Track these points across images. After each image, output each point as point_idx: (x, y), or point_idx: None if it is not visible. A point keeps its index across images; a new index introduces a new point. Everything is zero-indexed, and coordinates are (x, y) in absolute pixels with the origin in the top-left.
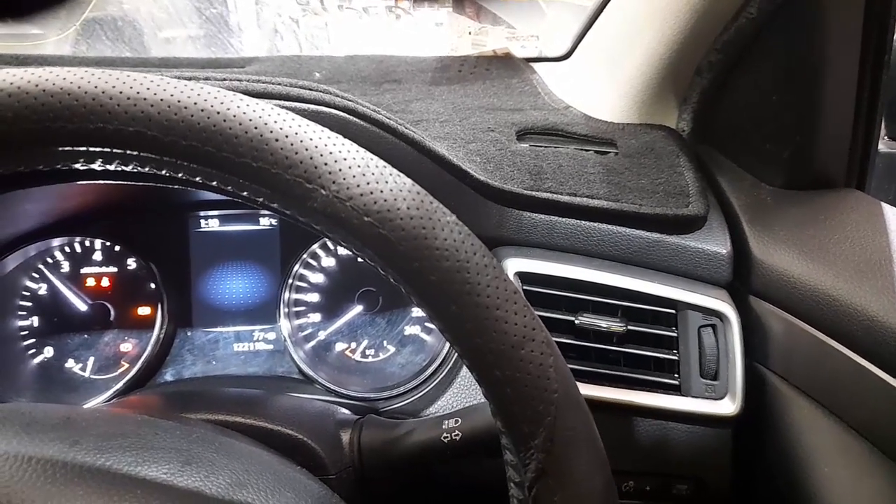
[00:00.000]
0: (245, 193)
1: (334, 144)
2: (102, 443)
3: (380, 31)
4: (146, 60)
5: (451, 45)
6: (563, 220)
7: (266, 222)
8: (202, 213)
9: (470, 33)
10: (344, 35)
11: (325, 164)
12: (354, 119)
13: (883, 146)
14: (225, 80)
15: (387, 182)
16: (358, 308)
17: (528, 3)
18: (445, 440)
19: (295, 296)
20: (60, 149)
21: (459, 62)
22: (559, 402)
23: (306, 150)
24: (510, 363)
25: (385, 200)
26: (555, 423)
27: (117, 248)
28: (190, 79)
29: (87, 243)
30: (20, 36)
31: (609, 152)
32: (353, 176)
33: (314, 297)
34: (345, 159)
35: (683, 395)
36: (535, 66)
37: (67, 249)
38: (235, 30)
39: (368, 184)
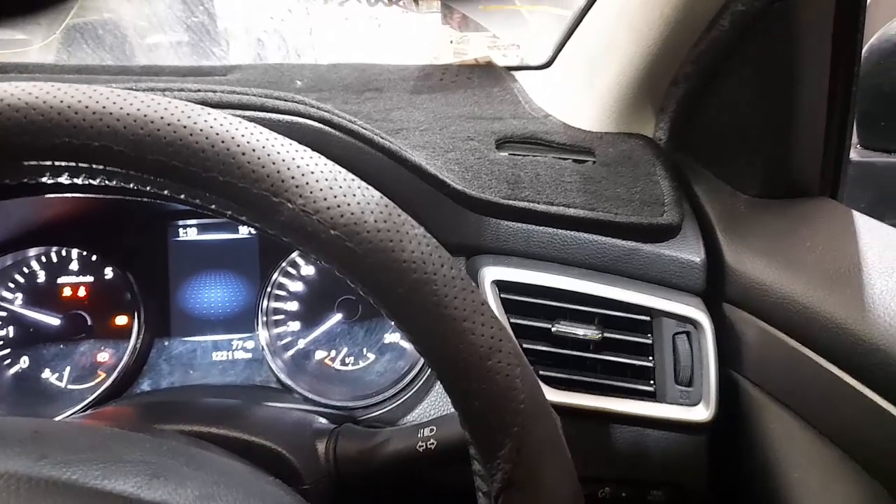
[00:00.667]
0: (213, 207)
1: (301, 158)
2: (70, 456)
3: (364, 39)
4: (128, 69)
5: (434, 54)
6: (540, 228)
7: (245, 231)
8: (180, 222)
9: (452, 42)
10: (328, 42)
11: (293, 177)
12: (330, 130)
13: (855, 155)
14: (199, 90)
15: (354, 195)
16: (337, 316)
17: (510, 12)
18: (421, 449)
19: (274, 304)
20: (26, 163)
21: (441, 70)
22: (526, 412)
23: (273, 163)
24: (477, 374)
25: (352, 214)
26: (522, 433)
27: (94, 257)
28: (164, 89)
29: (64, 253)
30: (4, 42)
31: (587, 161)
32: (321, 189)
33: (293, 306)
34: (312, 172)
35: (658, 402)
36: (516, 74)
37: (44, 259)
38: (219, 37)
39: (336, 197)
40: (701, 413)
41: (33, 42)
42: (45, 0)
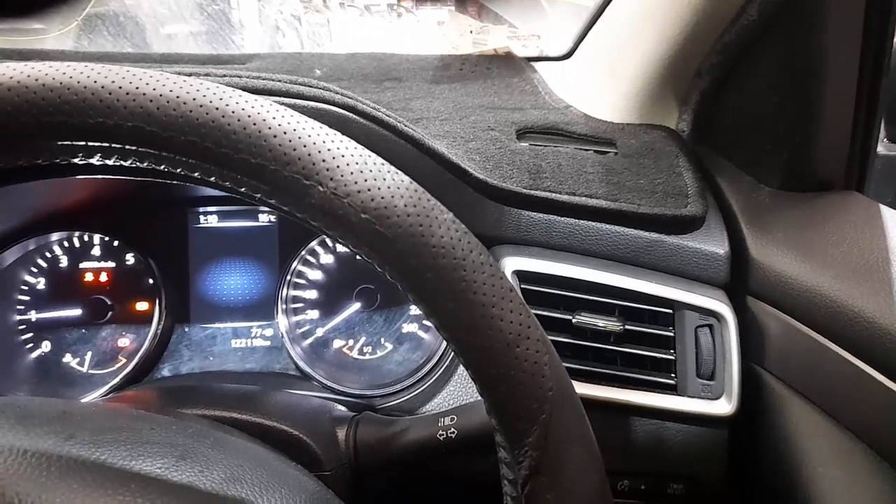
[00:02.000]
0: (243, 189)
1: (332, 141)
2: (98, 437)
3: (381, 29)
4: (147, 56)
5: (453, 44)
6: (562, 219)
7: (265, 218)
8: (201, 209)
9: (471, 32)
10: (346, 33)
11: (323, 160)
12: (354, 116)
13: (882, 148)
14: (225, 76)
15: (384, 179)
16: (356, 305)
17: (530, 3)
18: (441, 437)
19: (293, 292)
20: (59, 143)
21: (460, 61)
22: (553, 399)
23: (304, 146)
24: (505, 361)
25: (382, 198)
26: (549, 420)
27: (116, 242)
28: (190, 75)
29: (86, 238)
30: (22, 31)
31: (608, 152)
32: (351, 173)
33: (312, 294)
34: (343, 156)
35: (679, 395)
36: (536, 65)
37: (66, 244)
38: (237, 26)
39: (366, 181)
40: (723, 407)
41: (50, 31)
42: None
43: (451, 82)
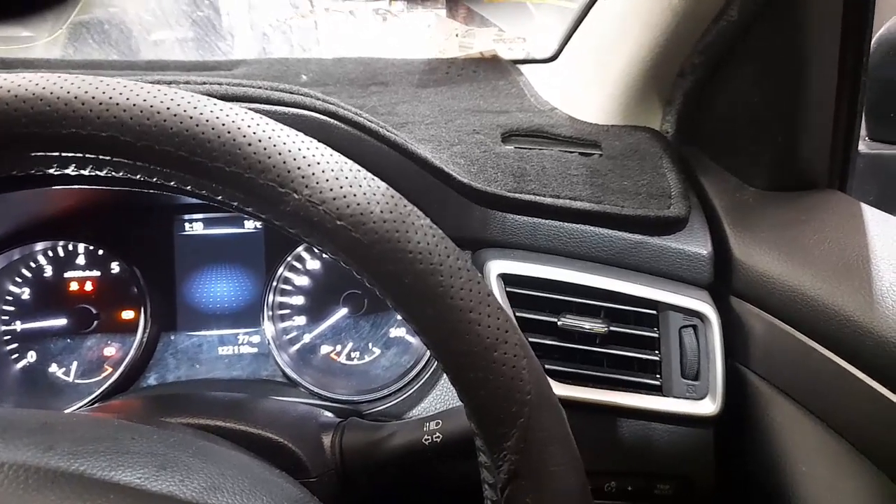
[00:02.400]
0: (219, 198)
1: (308, 148)
2: (77, 448)
3: (369, 33)
4: (133, 63)
5: (439, 48)
6: (547, 221)
7: (251, 225)
8: (186, 216)
9: (457, 35)
10: (333, 37)
11: (299, 168)
12: (336, 122)
13: (863, 147)
14: (205, 83)
15: (360, 185)
16: (343, 310)
17: (515, 5)
18: (426, 442)
19: (279, 299)
20: (34, 154)
21: (447, 64)
22: (532, 403)
23: (279, 154)
24: (483, 365)
25: (358, 204)
26: (528, 424)
27: (101, 251)
28: (170, 83)
29: (71, 247)
30: (10, 39)
31: (593, 154)
32: (327, 180)
33: (299, 300)
34: (318, 163)
35: (665, 396)
36: (522, 67)
37: (51, 253)
38: (224, 32)
39: (342, 187)
40: (707, 407)
41: (38, 38)
42: None
43: (438, 86)
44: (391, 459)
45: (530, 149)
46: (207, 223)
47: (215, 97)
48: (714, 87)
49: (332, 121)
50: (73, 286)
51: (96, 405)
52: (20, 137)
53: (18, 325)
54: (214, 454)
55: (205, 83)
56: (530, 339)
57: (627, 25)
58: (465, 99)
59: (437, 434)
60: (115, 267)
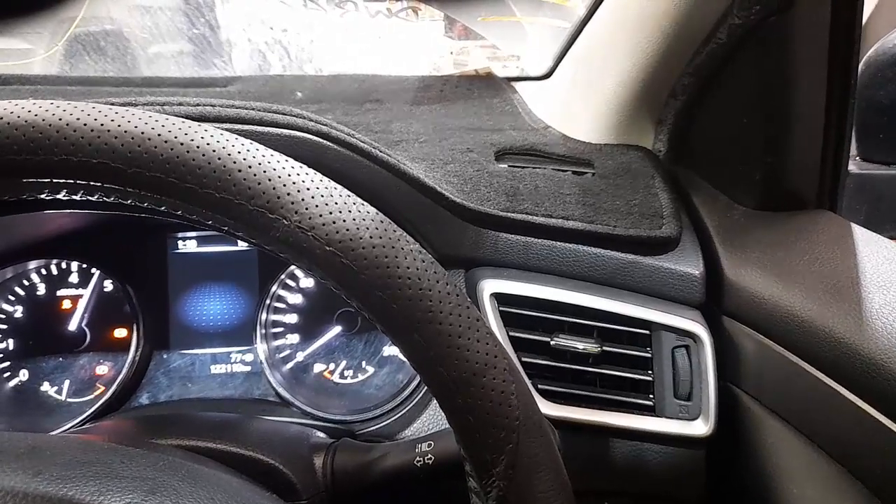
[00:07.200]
0: (210, 223)
1: (297, 174)
2: (66, 472)
3: (365, 49)
4: (129, 80)
5: (434, 65)
6: (539, 241)
7: (244, 244)
8: (180, 235)
9: (452, 53)
10: (329, 52)
11: (288, 193)
12: (329, 143)
13: (854, 167)
14: (198, 105)
15: (349, 211)
16: (336, 329)
17: (510, 24)
18: (418, 464)
19: (273, 317)
20: (25, 180)
21: (441, 82)
22: (520, 429)
23: (269, 180)
24: (472, 390)
25: (347, 230)
26: (516, 449)
27: (94, 270)
28: (164, 104)
29: (64, 265)
30: (7, 52)
31: (586, 173)
32: (316, 206)
33: (292, 318)
34: (307, 189)
35: (657, 416)
36: (517, 85)
37: (44, 272)
38: (221, 48)
39: (331, 213)
40: (700, 427)
41: (36, 52)
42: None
43: (432, 103)
44: (382, 481)
45: (524, 167)
46: (201, 241)
47: (209, 119)
48: (705, 108)
49: (325, 142)
50: (66, 304)
51: (88, 425)
52: (11, 164)
53: (11, 344)
54: (204, 478)
55: (198, 105)
56: (523, 359)
57: (619, 46)
58: (460, 116)
59: (429, 456)
60: (108, 285)
